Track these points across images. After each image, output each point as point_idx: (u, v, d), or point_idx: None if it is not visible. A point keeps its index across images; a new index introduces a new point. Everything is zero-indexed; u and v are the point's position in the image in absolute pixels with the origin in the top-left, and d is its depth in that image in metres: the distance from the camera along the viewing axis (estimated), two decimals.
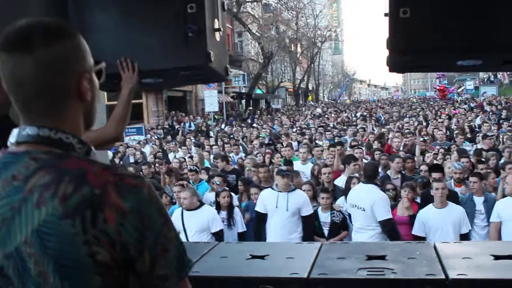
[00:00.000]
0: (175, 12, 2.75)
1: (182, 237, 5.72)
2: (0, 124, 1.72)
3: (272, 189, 6.42)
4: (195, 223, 6.09)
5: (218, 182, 7.57)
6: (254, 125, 22.72)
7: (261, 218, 6.37)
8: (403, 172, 8.08)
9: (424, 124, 16.99)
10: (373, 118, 21.71)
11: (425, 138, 11.60)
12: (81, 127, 1.22)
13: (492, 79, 47.24)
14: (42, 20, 1.17)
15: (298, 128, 18.51)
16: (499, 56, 2.57)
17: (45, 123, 1.15)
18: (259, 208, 6.44)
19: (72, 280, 1.06)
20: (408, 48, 2.51)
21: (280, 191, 6.25)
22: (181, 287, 1.19)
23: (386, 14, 2.53)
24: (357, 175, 7.12)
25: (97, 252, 1.05)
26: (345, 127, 16.97)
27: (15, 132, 1.17)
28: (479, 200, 6.35)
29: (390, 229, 5.67)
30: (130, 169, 8.78)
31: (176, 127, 22.50)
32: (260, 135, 15.89)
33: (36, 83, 1.12)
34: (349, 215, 6.19)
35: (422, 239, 5.54)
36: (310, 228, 6.23)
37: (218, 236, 6.17)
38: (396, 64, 2.64)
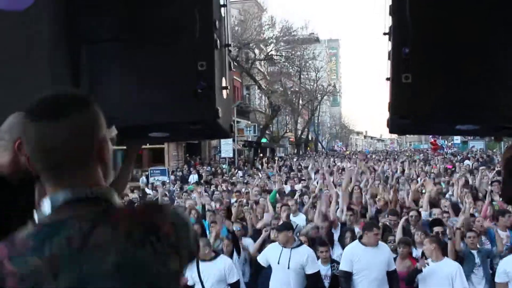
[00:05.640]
0: (186, 68, 2.69)
1: None
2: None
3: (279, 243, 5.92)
4: (212, 274, 5.60)
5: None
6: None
7: (258, 270, 5.90)
8: (404, 226, 7.57)
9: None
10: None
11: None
12: (102, 183, 1.22)
13: None
14: (66, 91, 1.21)
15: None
16: (496, 122, 2.47)
17: (75, 183, 1.15)
18: (260, 259, 5.94)
19: None
20: (409, 112, 2.41)
21: (284, 247, 5.71)
22: None
23: (388, 79, 2.45)
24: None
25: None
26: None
27: (47, 203, 1.14)
28: (476, 253, 6.23)
29: None
30: None
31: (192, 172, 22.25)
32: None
33: (68, 147, 1.13)
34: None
35: None
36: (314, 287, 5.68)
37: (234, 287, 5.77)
38: (396, 126, 2.55)
